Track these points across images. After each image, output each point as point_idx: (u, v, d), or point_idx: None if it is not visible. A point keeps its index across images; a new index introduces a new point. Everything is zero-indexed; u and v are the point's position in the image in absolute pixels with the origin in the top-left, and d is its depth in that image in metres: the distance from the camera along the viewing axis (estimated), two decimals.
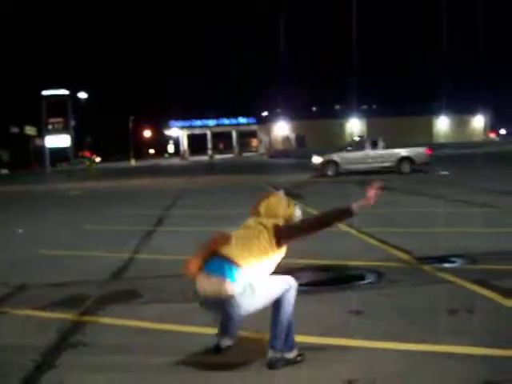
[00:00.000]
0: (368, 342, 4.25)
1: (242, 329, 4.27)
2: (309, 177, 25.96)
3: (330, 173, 25.50)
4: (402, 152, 25.48)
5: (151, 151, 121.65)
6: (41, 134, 68.45)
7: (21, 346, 4.62)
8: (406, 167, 25.00)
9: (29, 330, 5.09)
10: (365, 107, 78.94)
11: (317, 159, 26.55)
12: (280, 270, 3.99)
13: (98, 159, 78.07)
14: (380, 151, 25.85)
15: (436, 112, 77.31)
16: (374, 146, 26.09)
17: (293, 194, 15.57)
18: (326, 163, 25.95)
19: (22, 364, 4.14)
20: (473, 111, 79.76)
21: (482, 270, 6.40)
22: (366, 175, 23.40)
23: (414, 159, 25.15)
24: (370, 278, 6.21)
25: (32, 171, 64.36)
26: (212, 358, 4.10)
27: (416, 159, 25.20)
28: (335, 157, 26.23)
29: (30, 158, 77.36)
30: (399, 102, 73.53)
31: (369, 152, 25.81)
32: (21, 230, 11.78)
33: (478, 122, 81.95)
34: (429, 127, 78.50)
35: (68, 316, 5.35)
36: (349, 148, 27.49)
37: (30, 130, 74.64)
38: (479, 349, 4.00)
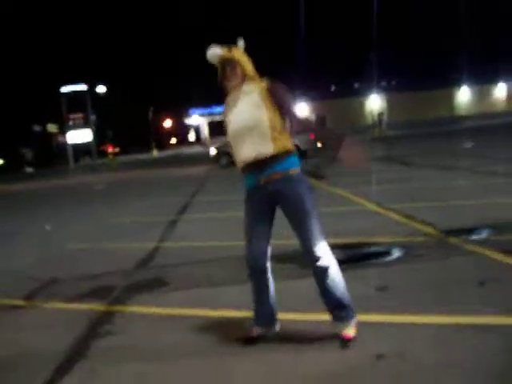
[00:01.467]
0: (396, 316, 4.22)
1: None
2: (207, 168, 27.12)
3: (223, 163, 26.20)
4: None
5: (173, 141, 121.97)
6: (63, 131, 69.04)
7: (52, 338, 4.69)
8: None
9: (59, 321, 5.16)
10: (384, 83, 78.08)
11: (212, 150, 27.37)
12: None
13: (116, 149, 78.16)
14: None
15: (456, 84, 76.16)
16: None
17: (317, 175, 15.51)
18: (220, 154, 26.71)
19: (54, 354, 4.21)
20: (495, 80, 78.42)
21: (510, 240, 6.31)
22: None
23: (300, 147, 24.38)
24: (395, 254, 6.17)
25: (56, 168, 65.01)
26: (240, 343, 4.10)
27: (302, 146, 24.52)
28: (228, 148, 26.53)
29: (53, 156, 78.17)
30: (419, 76, 72.54)
31: None
32: (48, 227, 11.91)
33: (501, 91, 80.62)
34: (449, 100, 77.47)
35: (97, 307, 5.42)
36: None
37: (52, 128, 75.44)
38: (509, 318, 3.95)
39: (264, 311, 3.99)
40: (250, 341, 4.00)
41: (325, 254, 3.72)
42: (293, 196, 3.68)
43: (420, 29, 77.17)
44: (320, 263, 3.70)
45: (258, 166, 3.69)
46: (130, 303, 5.43)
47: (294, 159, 3.76)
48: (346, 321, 3.78)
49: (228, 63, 3.77)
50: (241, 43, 3.86)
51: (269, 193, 3.73)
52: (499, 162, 15.02)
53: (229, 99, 3.87)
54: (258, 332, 4.01)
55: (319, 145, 24.88)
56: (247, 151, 3.70)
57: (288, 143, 3.73)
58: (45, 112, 75.13)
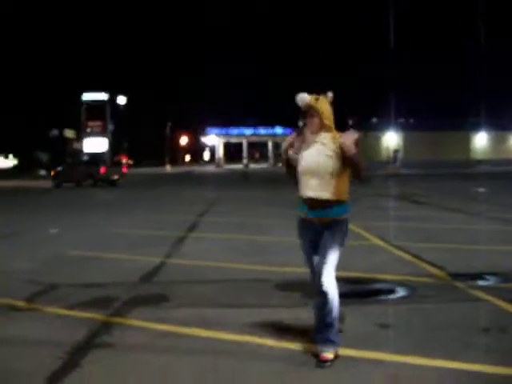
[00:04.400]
0: (395, 355, 4.17)
1: None
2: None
3: (56, 184, 32.51)
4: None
5: (187, 158, 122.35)
6: (79, 137, 69.41)
7: (49, 344, 4.67)
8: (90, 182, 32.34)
9: (58, 328, 5.14)
10: (402, 120, 78.20)
11: (52, 172, 34.35)
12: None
13: (130, 161, 78.25)
14: (80, 166, 33.94)
15: (475, 128, 76.06)
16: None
17: None
18: (56, 176, 33.26)
19: (49, 361, 4.18)
20: None
21: None
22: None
23: (94, 175, 32.23)
24: (400, 293, 6.12)
25: None
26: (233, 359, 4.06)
27: (95, 175, 32.35)
28: (59, 170, 33.90)
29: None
30: (437, 117, 72.63)
31: (74, 167, 34.74)
32: (54, 231, 11.93)
33: None
34: (466, 143, 77.33)
35: (96, 316, 5.39)
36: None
37: (68, 133, 75.79)
38: (510, 369, 3.89)
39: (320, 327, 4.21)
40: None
41: (330, 283, 4.09)
42: (331, 235, 4.12)
43: (441, 70, 77.35)
44: (323, 288, 4.06)
45: (314, 204, 4.11)
46: (130, 316, 5.40)
47: (346, 207, 4.18)
48: (329, 344, 4.10)
49: (311, 112, 4.13)
50: (330, 95, 4.22)
51: (316, 228, 4.17)
52: (510, 209, 14.94)
53: (308, 139, 4.20)
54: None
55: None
56: (309, 189, 4.13)
57: (344, 193, 4.15)
58: (62, 117, 75.63)
